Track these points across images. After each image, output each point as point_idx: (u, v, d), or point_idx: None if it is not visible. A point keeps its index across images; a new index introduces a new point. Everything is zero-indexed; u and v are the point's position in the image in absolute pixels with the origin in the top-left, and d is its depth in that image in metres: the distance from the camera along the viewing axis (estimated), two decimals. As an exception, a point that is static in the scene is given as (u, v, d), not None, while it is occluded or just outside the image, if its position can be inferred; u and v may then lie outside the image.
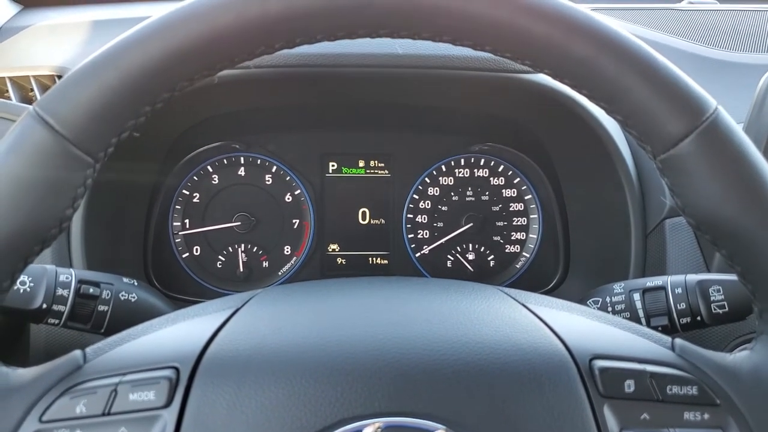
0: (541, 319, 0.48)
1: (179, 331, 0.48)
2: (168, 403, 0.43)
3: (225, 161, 0.97)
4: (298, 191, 0.99)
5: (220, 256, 0.98)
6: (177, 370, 0.44)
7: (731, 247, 0.46)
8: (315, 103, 0.91)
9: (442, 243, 1.01)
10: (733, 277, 0.62)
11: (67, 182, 0.42)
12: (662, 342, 0.48)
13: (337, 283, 0.55)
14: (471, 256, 1.02)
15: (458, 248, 1.02)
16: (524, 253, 1.02)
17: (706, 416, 0.45)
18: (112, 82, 0.41)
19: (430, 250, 1.02)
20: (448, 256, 1.02)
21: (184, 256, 0.97)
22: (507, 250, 1.02)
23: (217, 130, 0.94)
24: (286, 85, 0.84)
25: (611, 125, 0.83)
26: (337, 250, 1.01)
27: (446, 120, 0.96)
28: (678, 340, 0.48)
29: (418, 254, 1.02)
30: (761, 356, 0.46)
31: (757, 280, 0.46)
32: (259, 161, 0.98)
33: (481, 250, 1.02)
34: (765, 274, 0.45)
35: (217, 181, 0.97)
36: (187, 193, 0.97)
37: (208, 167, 0.97)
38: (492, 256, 1.02)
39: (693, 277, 0.62)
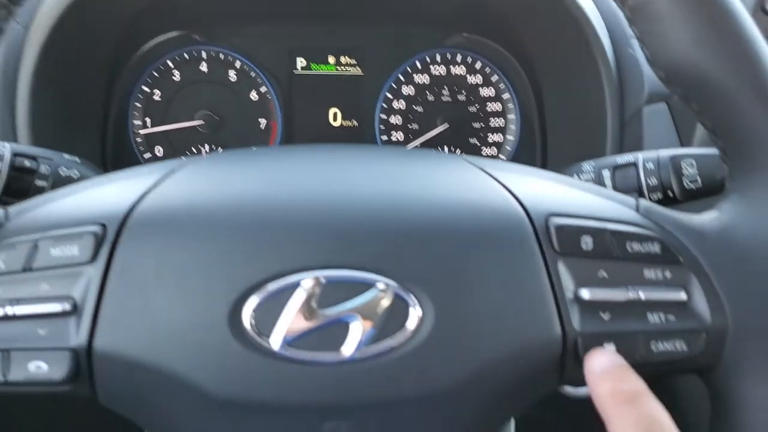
0: (498, 181, 0.45)
1: (108, 191, 0.45)
2: (92, 259, 0.40)
3: (186, 56, 0.92)
4: (264, 89, 0.94)
5: (183, 157, 0.94)
6: (104, 226, 0.41)
7: (701, 99, 0.43)
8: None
9: (417, 145, 0.98)
10: (707, 151, 0.59)
11: None
12: (626, 203, 0.45)
13: (283, 148, 0.52)
14: (447, 159, 0.98)
15: (434, 150, 0.98)
16: (501, 156, 0.98)
17: (667, 274, 0.42)
18: None
19: (403, 152, 0.98)
20: (424, 159, 0.98)
21: (145, 156, 0.94)
22: (484, 152, 0.98)
23: (174, 18, 0.89)
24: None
25: (590, 9, 0.79)
26: (307, 152, 0.97)
27: (420, 9, 0.92)
28: (643, 201, 0.45)
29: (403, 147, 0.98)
30: (729, 215, 0.43)
31: (728, 133, 0.43)
32: (222, 56, 0.93)
33: (457, 152, 0.98)
34: (735, 125, 0.42)
35: (178, 78, 0.93)
36: (148, 90, 0.92)
37: (168, 62, 0.92)
38: (468, 159, 0.98)
39: (666, 152, 0.59)
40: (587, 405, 0.40)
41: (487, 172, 0.46)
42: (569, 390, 0.75)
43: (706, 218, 0.44)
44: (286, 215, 0.41)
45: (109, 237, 0.40)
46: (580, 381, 0.41)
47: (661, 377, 0.45)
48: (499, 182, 0.45)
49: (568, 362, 0.41)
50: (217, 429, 0.39)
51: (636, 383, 0.38)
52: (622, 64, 0.79)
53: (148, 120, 0.93)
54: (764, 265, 0.41)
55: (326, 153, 0.50)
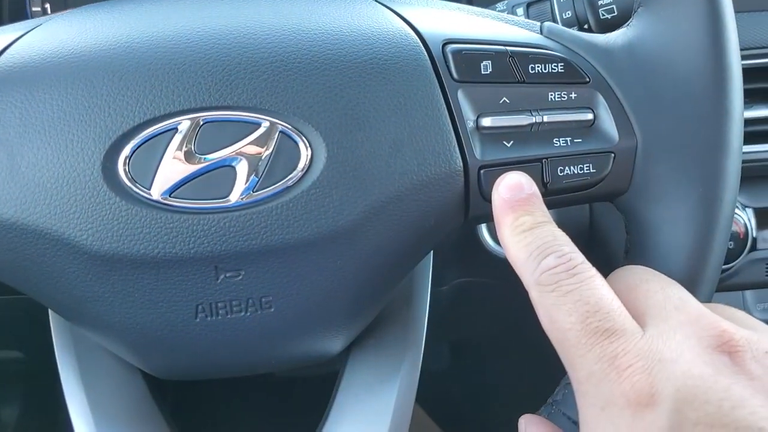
0: (392, 10, 0.42)
1: None
2: None
3: (79, -70, 0.85)
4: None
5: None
6: None
7: None
8: None
9: None
10: (622, -23, 0.56)
11: None
12: (530, 26, 0.43)
13: None
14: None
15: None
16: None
17: (573, 95, 0.40)
18: None
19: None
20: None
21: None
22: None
23: None
24: None
25: None
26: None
27: None
28: (548, 23, 0.43)
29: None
30: (636, 30, 0.41)
31: None
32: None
33: None
34: None
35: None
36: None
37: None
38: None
39: (580, -17, 0.56)
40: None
41: (383, 4, 0.43)
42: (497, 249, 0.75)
43: (613, 36, 0.42)
44: (159, 54, 0.37)
45: None
46: (486, 215, 0.40)
47: (572, 205, 0.43)
48: (394, 11, 0.42)
49: (472, 195, 0.39)
50: (105, 288, 0.37)
51: (537, 213, 0.37)
52: None
53: (47, 6, 0.87)
54: (672, 79, 0.40)
55: None
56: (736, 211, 0.77)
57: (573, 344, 0.33)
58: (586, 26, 0.55)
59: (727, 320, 0.34)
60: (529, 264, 0.35)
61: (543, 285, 0.34)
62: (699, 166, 0.39)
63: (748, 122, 0.71)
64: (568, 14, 0.55)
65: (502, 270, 0.39)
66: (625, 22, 0.54)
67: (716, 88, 0.39)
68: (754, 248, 0.79)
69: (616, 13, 0.54)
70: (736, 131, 0.40)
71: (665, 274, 0.39)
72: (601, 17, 0.54)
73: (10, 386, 1.04)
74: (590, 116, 0.40)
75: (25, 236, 0.36)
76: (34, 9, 0.87)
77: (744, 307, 0.81)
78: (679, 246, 0.40)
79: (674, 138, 0.40)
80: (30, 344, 0.96)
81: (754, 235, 0.79)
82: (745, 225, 0.77)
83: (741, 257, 0.78)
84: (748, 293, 0.81)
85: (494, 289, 0.78)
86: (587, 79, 0.40)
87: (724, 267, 0.77)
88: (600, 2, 0.54)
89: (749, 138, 0.73)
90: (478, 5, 0.88)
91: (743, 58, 0.67)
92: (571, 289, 0.34)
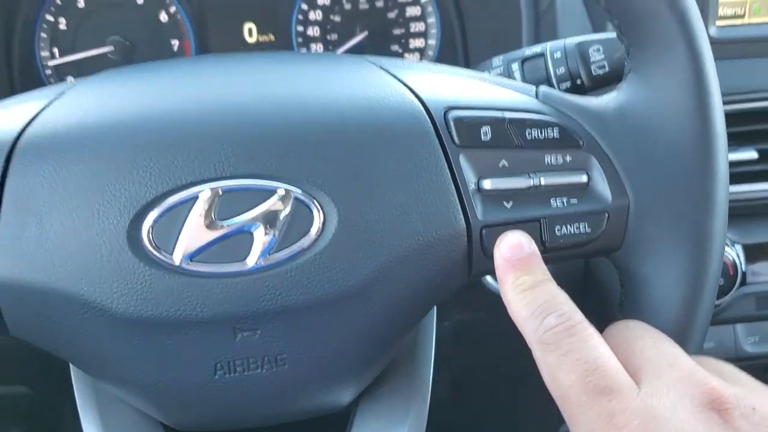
0: (397, 78, 0.45)
1: None
2: None
3: (88, -21, 0.88)
4: (174, 9, 0.90)
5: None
6: None
7: None
8: None
9: (333, 56, 0.96)
10: (613, 35, 0.58)
11: None
12: (526, 90, 0.45)
13: (180, 60, 0.50)
14: (369, 68, 0.97)
15: (355, 61, 0.96)
16: (424, 61, 0.97)
17: (568, 158, 0.43)
18: None
19: (325, 65, 0.96)
20: (345, 71, 0.96)
21: (57, 88, 0.90)
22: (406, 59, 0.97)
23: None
24: None
25: None
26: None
27: None
28: (543, 88, 0.45)
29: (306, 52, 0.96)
30: (626, 94, 0.44)
31: (622, 11, 0.43)
32: (126, -23, 0.89)
33: (377, 59, 0.97)
34: (627, 2, 0.42)
35: (83, 4, 0.88)
36: (51, 19, 0.88)
37: (70, -13, 0.88)
38: (391, 67, 0.97)
39: (572, 40, 0.58)
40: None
41: (385, 70, 0.45)
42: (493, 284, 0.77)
43: (605, 99, 0.44)
44: (179, 126, 0.40)
45: None
46: (489, 272, 0.42)
47: (569, 260, 0.46)
48: (398, 79, 0.44)
49: (475, 254, 0.42)
50: (129, 348, 0.39)
51: (537, 272, 0.39)
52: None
53: (56, 50, 0.89)
54: (661, 142, 0.42)
55: (218, 61, 0.49)
56: (726, 248, 0.79)
57: (574, 402, 0.35)
58: (578, 81, 0.57)
59: (717, 376, 0.36)
60: (531, 322, 0.38)
61: (545, 344, 0.36)
62: (688, 226, 0.42)
63: (733, 164, 0.74)
64: (562, 70, 0.57)
65: (502, 306, 0.41)
66: (616, 77, 0.57)
67: (702, 152, 0.41)
68: (744, 283, 0.81)
69: (607, 69, 0.57)
70: (722, 191, 0.42)
71: (658, 327, 0.41)
72: (593, 73, 0.57)
73: (14, 422, 1.05)
74: (584, 178, 0.43)
75: (54, 301, 0.38)
76: (42, 54, 0.89)
77: (735, 341, 0.83)
78: (670, 301, 0.42)
79: (664, 199, 0.42)
80: (35, 381, 0.97)
81: (744, 269, 0.81)
82: (734, 261, 0.79)
83: (731, 292, 0.80)
84: (739, 327, 0.83)
85: (494, 324, 0.80)
86: (581, 143, 0.43)
87: (716, 302, 0.80)
88: (592, 59, 0.57)
89: (736, 178, 0.76)
90: (475, 60, 0.92)
91: (728, 103, 0.70)
92: (571, 348, 0.36)
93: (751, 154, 0.75)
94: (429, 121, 0.42)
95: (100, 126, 0.40)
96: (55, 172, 0.39)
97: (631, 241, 0.43)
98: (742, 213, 0.79)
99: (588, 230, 0.42)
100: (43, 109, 0.42)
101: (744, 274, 0.81)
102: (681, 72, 0.41)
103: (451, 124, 0.42)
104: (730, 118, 0.72)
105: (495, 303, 0.78)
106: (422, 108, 0.42)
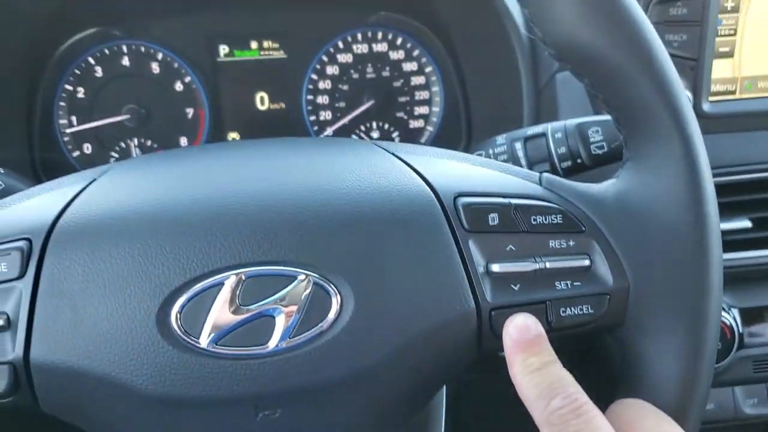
0: (407, 164, 0.47)
1: (32, 204, 0.46)
2: (22, 275, 0.41)
3: (107, 51, 0.92)
4: (189, 78, 0.94)
5: (112, 153, 0.94)
6: (29, 240, 0.42)
7: (591, 74, 0.45)
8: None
9: (345, 123, 0.99)
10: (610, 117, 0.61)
11: None
12: (530, 177, 0.48)
13: (201, 147, 0.53)
14: (375, 135, 1.00)
15: (362, 127, 1.00)
16: (428, 127, 1.01)
17: (571, 243, 0.45)
18: None
19: (333, 131, 0.99)
20: (352, 136, 1.00)
21: (74, 155, 0.93)
22: (411, 126, 1.01)
23: (91, 15, 0.89)
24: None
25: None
26: (237, 138, 0.98)
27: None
28: (546, 175, 0.48)
29: (321, 136, 0.99)
30: (625, 182, 0.46)
31: (619, 106, 0.46)
32: (143, 49, 0.93)
33: (386, 127, 1.00)
34: (623, 99, 0.45)
35: (100, 74, 0.92)
36: (70, 88, 0.92)
37: (89, 59, 0.91)
38: (396, 133, 1.01)
39: (572, 122, 0.62)
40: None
41: (397, 156, 0.48)
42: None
43: (604, 186, 0.47)
44: (205, 215, 0.42)
45: (36, 251, 0.42)
46: (498, 351, 0.44)
47: (572, 338, 0.48)
48: (409, 165, 0.47)
49: (485, 334, 0.44)
50: (156, 426, 0.41)
51: (544, 354, 0.41)
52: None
53: (73, 118, 0.93)
54: (658, 228, 0.45)
55: (239, 150, 0.51)
56: (723, 312, 0.82)
57: None
58: (579, 160, 0.60)
59: None
60: (538, 404, 0.40)
61: (552, 425, 0.39)
62: (685, 307, 0.44)
63: (728, 233, 0.77)
64: (563, 149, 0.61)
65: (506, 368, 0.43)
66: (614, 156, 0.60)
67: (697, 238, 0.44)
68: (741, 346, 0.83)
69: (606, 149, 0.60)
70: (716, 274, 0.45)
71: (658, 406, 0.43)
72: (593, 153, 0.60)
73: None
74: (587, 262, 0.45)
75: (86, 381, 0.40)
76: (61, 121, 0.92)
77: (735, 403, 0.85)
78: (669, 379, 0.44)
79: (662, 281, 0.45)
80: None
81: (741, 332, 0.83)
82: (731, 325, 0.82)
83: (730, 355, 0.82)
84: (738, 389, 0.85)
85: (499, 384, 0.82)
86: (583, 228, 0.46)
87: (714, 365, 0.82)
88: (591, 140, 0.60)
89: (731, 246, 0.79)
90: (477, 127, 0.96)
91: (722, 175, 0.73)
92: (577, 430, 0.38)
93: (744, 223, 0.78)
94: (439, 207, 0.44)
95: (131, 214, 0.43)
96: (89, 259, 0.41)
97: (632, 319, 0.46)
98: (737, 278, 0.82)
99: (591, 311, 0.45)
100: (77, 195, 0.45)
101: (741, 336, 0.83)
102: (676, 165, 0.44)
103: (461, 210, 0.44)
104: (725, 189, 0.76)
105: (501, 366, 0.80)
106: (433, 195, 0.45)
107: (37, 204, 0.45)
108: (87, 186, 0.46)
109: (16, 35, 0.83)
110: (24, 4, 0.79)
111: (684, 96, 0.44)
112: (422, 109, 1.00)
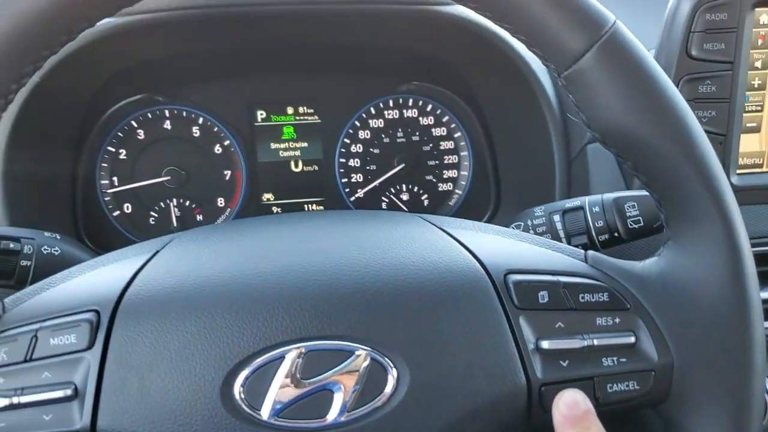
0: (457, 240, 0.49)
1: (98, 276, 0.48)
2: (90, 346, 0.43)
3: (149, 115, 0.95)
4: (228, 142, 0.98)
5: (152, 212, 0.97)
6: (97, 312, 0.44)
7: (634, 158, 0.47)
8: (234, 48, 0.90)
9: (375, 185, 1.02)
10: (645, 192, 0.63)
11: None
12: (575, 255, 0.50)
13: (257, 220, 0.55)
14: (405, 197, 1.02)
15: (392, 189, 1.02)
16: (457, 191, 1.03)
17: (617, 320, 0.47)
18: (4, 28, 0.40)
19: (364, 193, 1.02)
20: (383, 198, 1.02)
21: (115, 214, 0.96)
22: (440, 189, 1.03)
23: (137, 82, 0.92)
24: (198, 28, 0.82)
25: (531, 57, 0.84)
26: (271, 199, 1.01)
27: (372, 60, 0.96)
28: (591, 252, 0.50)
29: (352, 198, 1.02)
30: (667, 261, 0.48)
31: (660, 188, 0.47)
32: (184, 113, 0.96)
33: (415, 190, 1.03)
34: (665, 181, 0.47)
35: (143, 136, 0.95)
36: (113, 149, 0.95)
37: (132, 122, 0.95)
38: (426, 195, 1.03)
39: (609, 196, 0.64)
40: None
41: (446, 231, 0.50)
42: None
43: (647, 265, 0.49)
44: (268, 291, 0.44)
45: (104, 323, 0.43)
46: (547, 426, 0.45)
47: (619, 413, 0.49)
48: (458, 241, 0.49)
49: (534, 409, 0.45)
50: None
51: (593, 429, 0.43)
52: (565, 104, 0.85)
53: (115, 179, 0.95)
54: (701, 307, 0.46)
55: (295, 223, 0.54)
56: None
57: None
58: (616, 233, 0.62)
59: None
60: None
61: None
62: (729, 384, 0.45)
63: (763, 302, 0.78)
64: (600, 223, 0.62)
65: None
66: (651, 230, 0.62)
67: (740, 318, 0.45)
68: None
69: (642, 224, 0.62)
70: (760, 354, 0.46)
71: None
72: (630, 227, 0.62)
73: None
74: (632, 339, 0.46)
75: None
76: (103, 182, 0.95)
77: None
78: None
79: (706, 358, 0.46)
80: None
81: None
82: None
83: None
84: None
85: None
86: (628, 306, 0.47)
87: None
88: (628, 214, 0.62)
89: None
90: (506, 190, 0.98)
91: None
92: None
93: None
94: (491, 284, 0.46)
95: (196, 288, 0.45)
96: (156, 332, 0.43)
97: (676, 395, 0.47)
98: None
99: (637, 387, 0.46)
100: (142, 267, 0.47)
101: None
102: (718, 247, 0.45)
103: (511, 287, 0.46)
104: (757, 259, 0.77)
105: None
106: (484, 272, 0.47)
107: (104, 276, 0.47)
108: (151, 258, 0.48)
109: (69, 102, 0.87)
110: (78, 74, 0.82)
111: (724, 179, 0.46)
112: (451, 173, 1.03)
